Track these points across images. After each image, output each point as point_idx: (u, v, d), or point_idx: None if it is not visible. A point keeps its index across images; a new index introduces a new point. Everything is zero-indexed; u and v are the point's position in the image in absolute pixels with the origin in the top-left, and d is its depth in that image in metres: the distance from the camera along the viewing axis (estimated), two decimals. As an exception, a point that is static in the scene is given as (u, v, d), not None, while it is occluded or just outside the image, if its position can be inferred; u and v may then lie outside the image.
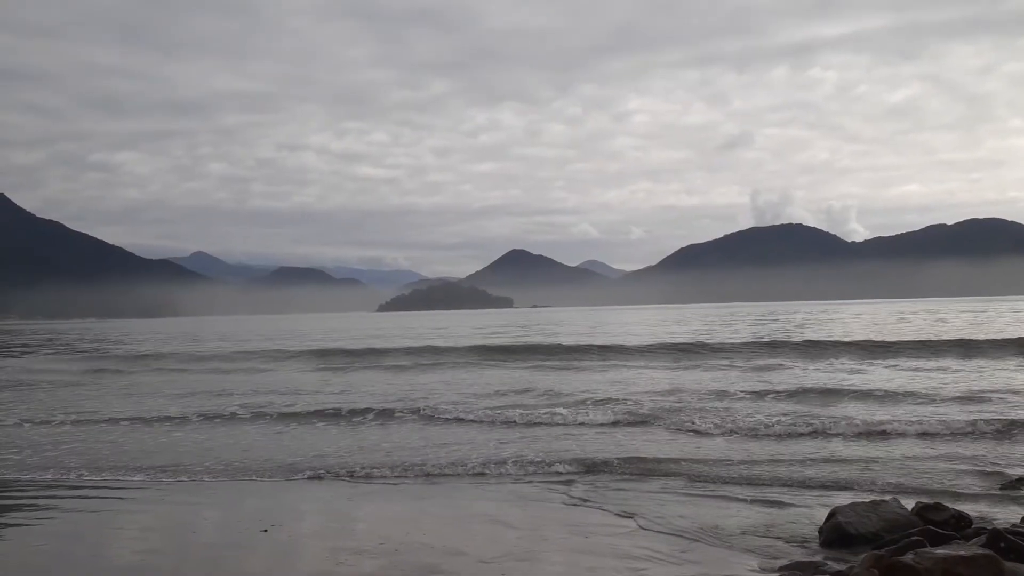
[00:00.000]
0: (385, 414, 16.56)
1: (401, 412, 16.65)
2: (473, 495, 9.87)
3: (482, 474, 10.99)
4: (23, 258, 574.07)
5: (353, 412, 16.83)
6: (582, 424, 14.90)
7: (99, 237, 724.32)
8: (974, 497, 8.81)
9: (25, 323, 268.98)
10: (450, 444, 13.22)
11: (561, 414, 15.78)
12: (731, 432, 13.55)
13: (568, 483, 10.26)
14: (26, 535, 8.56)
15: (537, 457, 11.77)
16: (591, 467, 11.09)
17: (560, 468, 11.04)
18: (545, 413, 15.96)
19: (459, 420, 15.74)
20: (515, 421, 15.32)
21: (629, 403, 17.04)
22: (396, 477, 10.93)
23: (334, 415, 16.70)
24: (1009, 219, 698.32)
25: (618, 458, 11.51)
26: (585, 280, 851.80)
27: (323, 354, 35.39)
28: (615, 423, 14.81)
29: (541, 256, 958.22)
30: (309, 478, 11.02)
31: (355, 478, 10.93)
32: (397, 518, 8.80)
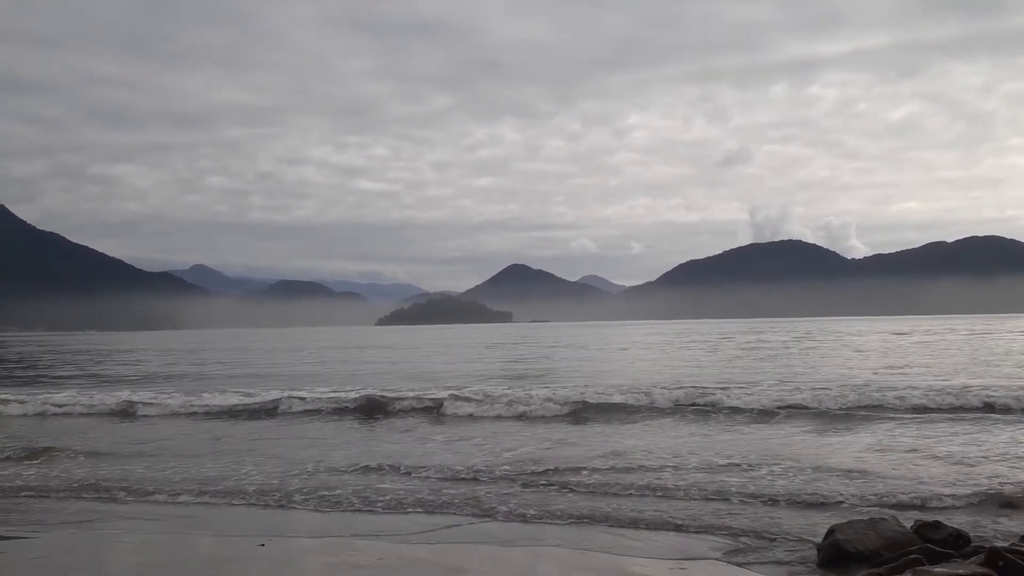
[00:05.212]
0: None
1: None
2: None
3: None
4: (23, 270, 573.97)
5: None
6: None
7: (99, 249, 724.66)
8: (973, 516, 8.79)
9: (23, 335, 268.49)
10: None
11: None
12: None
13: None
14: (22, 548, 8.54)
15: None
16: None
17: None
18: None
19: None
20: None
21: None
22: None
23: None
24: (1008, 237, 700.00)
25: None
26: (585, 295, 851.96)
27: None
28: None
29: (541, 271, 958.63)
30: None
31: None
32: (399, 529, 8.79)
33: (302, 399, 20.87)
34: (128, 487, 11.30)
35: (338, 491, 10.66)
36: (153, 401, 21.80)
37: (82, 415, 20.96)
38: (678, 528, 8.58)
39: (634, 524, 8.80)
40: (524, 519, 9.15)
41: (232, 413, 20.29)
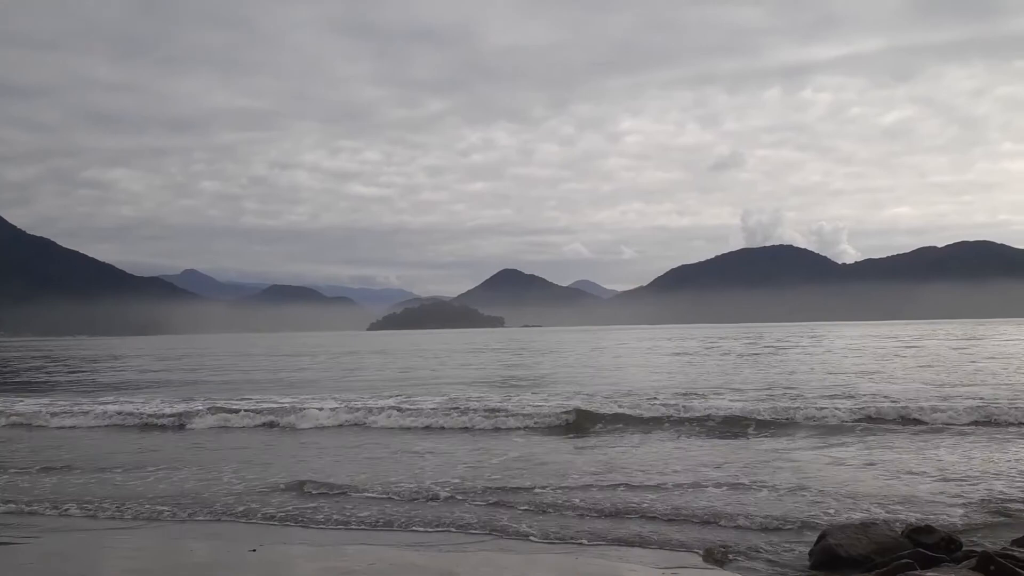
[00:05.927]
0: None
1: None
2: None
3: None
4: (13, 275, 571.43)
5: None
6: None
7: (91, 254, 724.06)
8: (964, 520, 8.81)
9: (13, 340, 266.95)
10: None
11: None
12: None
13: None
14: (12, 554, 8.47)
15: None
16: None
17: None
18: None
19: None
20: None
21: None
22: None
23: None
24: (999, 242, 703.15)
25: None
26: (577, 300, 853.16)
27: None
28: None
29: (533, 276, 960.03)
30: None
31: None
32: (389, 540, 8.77)
33: (298, 410, 20.25)
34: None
35: (311, 504, 10.45)
36: (69, 410, 21.01)
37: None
38: (668, 538, 8.55)
39: (625, 532, 8.78)
40: (512, 533, 9.08)
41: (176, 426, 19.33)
